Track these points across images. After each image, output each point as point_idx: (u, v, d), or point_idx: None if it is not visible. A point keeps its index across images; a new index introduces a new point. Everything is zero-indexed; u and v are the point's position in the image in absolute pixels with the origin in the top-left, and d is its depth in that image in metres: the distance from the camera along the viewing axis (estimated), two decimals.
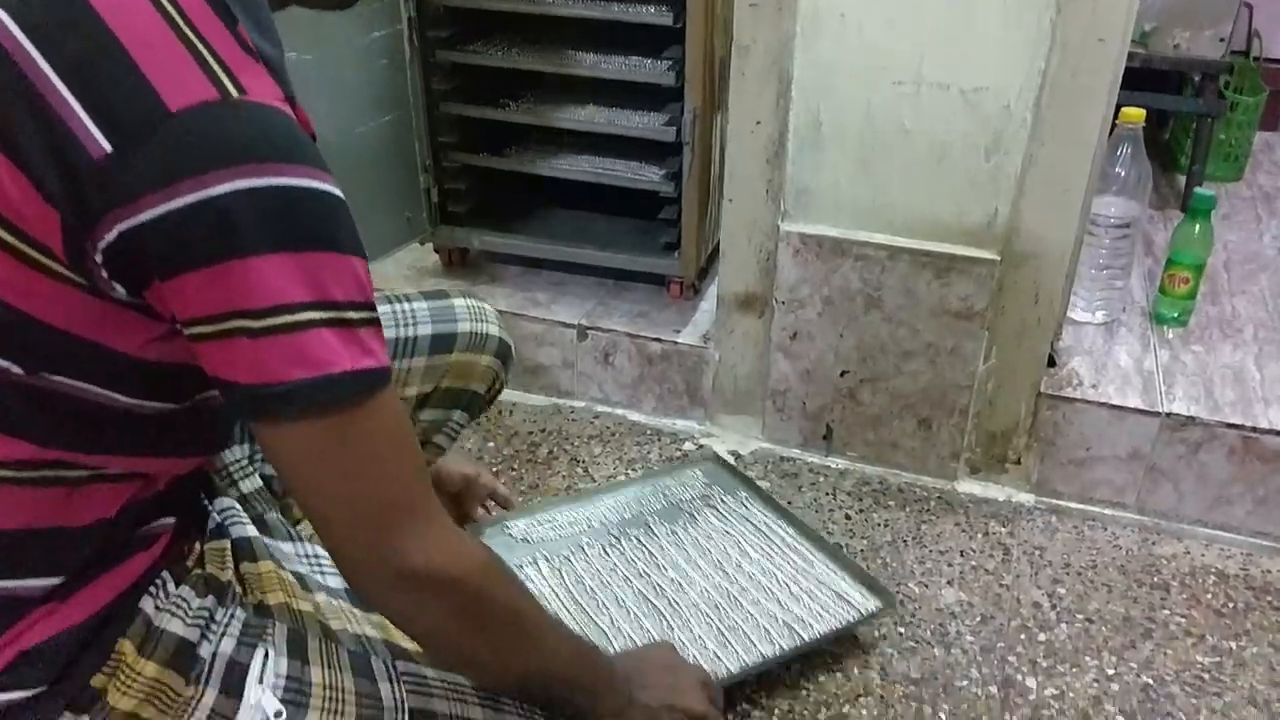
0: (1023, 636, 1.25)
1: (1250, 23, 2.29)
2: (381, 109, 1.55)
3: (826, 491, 1.49)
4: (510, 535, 1.29)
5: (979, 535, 1.41)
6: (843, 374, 1.48)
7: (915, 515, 1.45)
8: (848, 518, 1.44)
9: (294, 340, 0.58)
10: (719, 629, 1.15)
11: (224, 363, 0.59)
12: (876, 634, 1.24)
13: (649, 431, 1.62)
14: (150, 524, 0.71)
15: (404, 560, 0.65)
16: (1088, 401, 1.40)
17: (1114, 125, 1.44)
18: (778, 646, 1.13)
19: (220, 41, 0.57)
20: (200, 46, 0.56)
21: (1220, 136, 2.13)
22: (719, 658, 1.11)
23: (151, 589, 0.71)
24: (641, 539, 1.29)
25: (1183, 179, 2.12)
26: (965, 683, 1.18)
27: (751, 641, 1.13)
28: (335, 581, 0.84)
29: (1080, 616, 1.28)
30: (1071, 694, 1.17)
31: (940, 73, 1.26)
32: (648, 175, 1.65)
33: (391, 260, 1.84)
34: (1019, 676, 1.19)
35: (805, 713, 1.14)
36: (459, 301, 1.07)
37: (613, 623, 1.16)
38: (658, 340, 1.60)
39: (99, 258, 0.56)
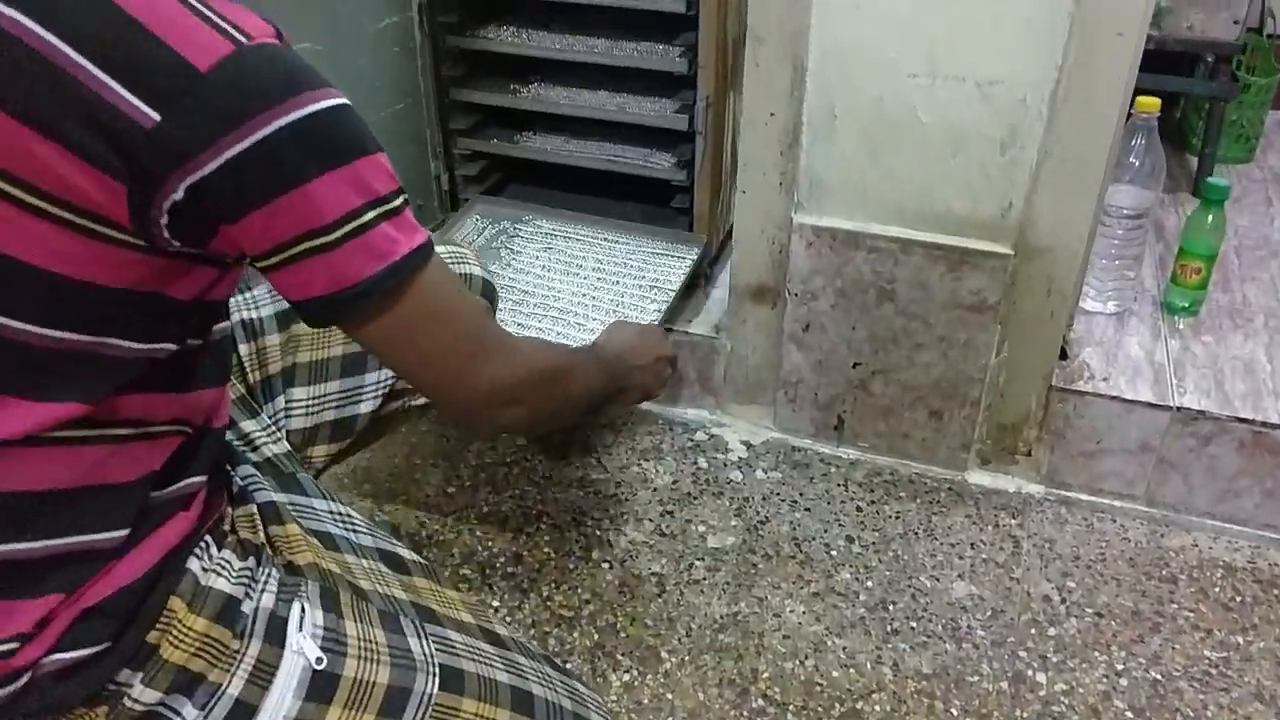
0: (1033, 631, 1.26)
1: (1265, 0, 2.26)
2: (393, 97, 1.54)
3: (838, 483, 1.50)
4: None
5: (989, 527, 1.42)
6: (855, 365, 1.48)
7: (926, 507, 1.46)
8: (859, 509, 1.45)
9: (363, 240, 0.66)
10: (611, 310, 1.52)
11: (300, 283, 0.67)
12: (889, 628, 1.26)
13: (661, 421, 1.63)
14: (186, 481, 0.75)
15: (494, 383, 0.78)
16: (1099, 395, 1.41)
17: (1129, 114, 1.43)
18: (664, 298, 1.54)
19: None
20: (198, 4, 0.61)
21: (1232, 118, 2.11)
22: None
23: (197, 551, 0.75)
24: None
25: (1193, 160, 2.11)
26: (976, 678, 1.20)
27: (644, 305, 1.52)
28: (366, 540, 0.89)
29: (1090, 610, 1.29)
30: (1081, 689, 1.18)
31: (956, 65, 1.25)
32: (659, 162, 1.65)
33: None
34: (1029, 671, 1.21)
35: (819, 709, 1.15)
36: (437, 248, 1.10)
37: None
38: (669, 329, 1.60)
39: (164, 219, 0.61)
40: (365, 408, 1.09)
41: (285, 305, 1.04)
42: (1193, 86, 2.02)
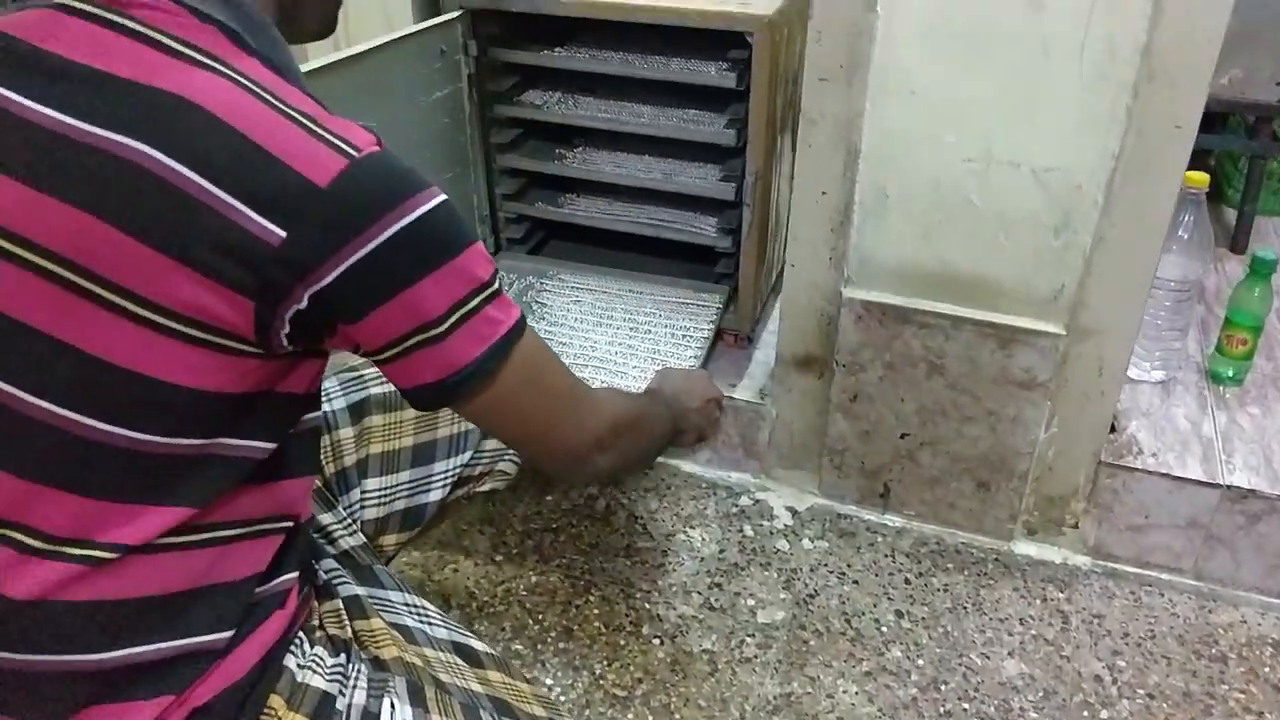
0: (1085, 714, 1.27)
1: None
2: (444, 166, 1.55)
3: (885, 553, 1.50)
4: None
5: (1037, 601, 1.43)
6: (903, 436, 1.49)
7: (974, 579, 1.46)
8: (907, 581, 1.45)
9: (469, 327, 0.70)
10: (649, 358, 1.56)
11: (411, 373, 0.71)
12: (941, 709, 1.26)
13: (704, 484, 1.64)
14: (283, 577, 0.78)
15: (586, 433, 0.83)
16: (1148, 471, 1.41)
17: None
18: (697, 344, 1.59)
19: (309, 107, 0.66)
20: (304, 120, 0.64)
21: (1270, 169, 2.12)
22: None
23: (292, 648, 0.78)
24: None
25: (1229, 211, 2.12)
26: None
27: (679, 352, 1.57)
28: (441, 633, 0.92)
29: (1141, 692, 1.30)
30: None
31: (1011, 151, 1.26)
32: (703, 228, 1.66)
33: None
34: None
35: None
36: None
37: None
38: None
39: (286, 327, 0.65)
40: (434, 496, 1.11)
41: (356, 398, 1.06)
42: (1232, 143, 2.02)
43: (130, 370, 0.63)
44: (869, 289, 1.42)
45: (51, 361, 0.63)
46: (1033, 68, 1.20)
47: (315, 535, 0.99)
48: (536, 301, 1.68)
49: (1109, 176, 1.24)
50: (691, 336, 1.61)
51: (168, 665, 0.70)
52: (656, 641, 1.36)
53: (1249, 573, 1.43)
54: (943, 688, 1.30)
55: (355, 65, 1.29)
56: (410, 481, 1.09)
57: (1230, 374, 1.57)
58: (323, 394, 1.05)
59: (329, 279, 0.64)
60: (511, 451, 1.17)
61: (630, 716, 1.26)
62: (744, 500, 1.61)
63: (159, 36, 0.65)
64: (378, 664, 0.83)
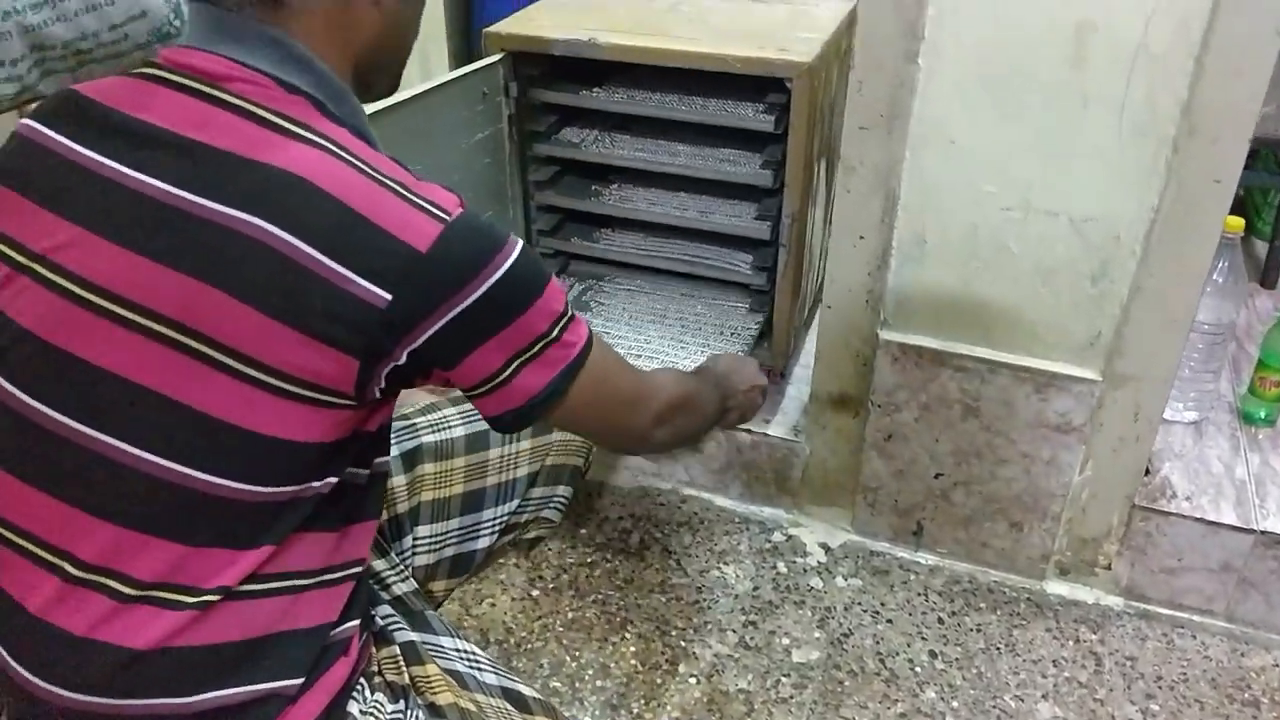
0: None
1: None
2: (484, 206, 1.57)
3: (918, 591, 1.52)
4: None
5: (1070, 642, 1.44)
6: (937, 476, 1.50)
7: (1007, 619, 1.47)
8: (941, 621, 1.47)
9: (548, 354, 0.76)
10: (700, 350, 1.64)
11: (501, 402, 0.77)
12: None
13: (737, 519, 1.65)
14: (348, 624, 0.80)
15: (651, 415, 0.90)
16: (1182, 516, 1.42)
17: None
18: (744, 341, 1.66)
19: (399, 174, 0.71)
20: (398, 188, 0.69)
21: None
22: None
23: (354, 694, 0.80)
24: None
25: (1259, 244, 2.12)
26: None
27: (728, 348, 1.64)
28: (491, 679, 0.94)
29: None
30: None
31: (1050, 201, 1.27)
32: (738, 264, 1.67)
33: None
34: None
35: None
36: None
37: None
38: (748, 431, 1.62)
39: (382, 383, 0.71)
40: (483, 543, 1.12)
41: (408, 446, 1.09)
42: (1261, 179, 2.03)
43: (237, 426, 0.67)
44: (906, 331, 1.43)
45: (159, 417, 0.67)
46: (1073, 121, 1.22)
47: (370, 581, 1.01)
48: (595, 300, 1.78)
49: (1147, 228, 1.25)
50: (739, 335, 1.69)
51: (241, 710, 0.72)
52: (693, 680, 1.38)
53: None
54: None
55: (403, 110, 1.31)
56: (460, 529, 1.11)
57: (1263, 415, 1.58)
58: None
59: (426, 335, 0.69)
60: (555, 500, 1.19)
61: None
62: (777, 536, 1.62)
63: (254, 109, 0.69)
64: (434, 710, 0.85)
